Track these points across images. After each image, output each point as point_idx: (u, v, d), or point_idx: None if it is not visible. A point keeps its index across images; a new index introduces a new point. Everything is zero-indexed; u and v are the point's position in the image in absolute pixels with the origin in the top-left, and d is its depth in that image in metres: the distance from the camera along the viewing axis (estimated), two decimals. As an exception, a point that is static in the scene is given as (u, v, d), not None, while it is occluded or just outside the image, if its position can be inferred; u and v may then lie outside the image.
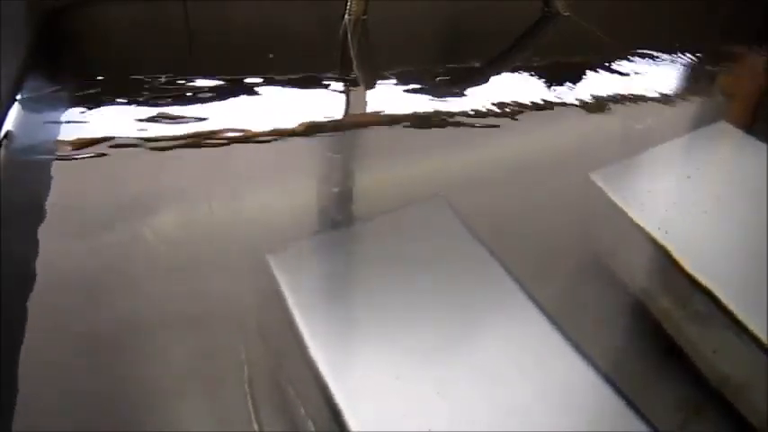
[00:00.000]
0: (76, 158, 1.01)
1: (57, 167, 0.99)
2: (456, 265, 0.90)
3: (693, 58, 1.44)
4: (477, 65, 1.37)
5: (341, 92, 1.23)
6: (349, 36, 1.32)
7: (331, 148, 1.13)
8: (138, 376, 0.77)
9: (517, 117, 1.23)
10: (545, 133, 1.22)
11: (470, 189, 1.05)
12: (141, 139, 1.05)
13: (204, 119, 1.11)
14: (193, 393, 0.76)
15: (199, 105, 1.14)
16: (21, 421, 0.69)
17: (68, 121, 1.08)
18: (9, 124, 1.01)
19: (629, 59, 1.41)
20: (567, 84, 1.32)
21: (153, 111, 1.12)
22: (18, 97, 1.06)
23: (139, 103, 1.13)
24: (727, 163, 1.15)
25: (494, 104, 1.23)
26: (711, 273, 0.92)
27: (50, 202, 0.94)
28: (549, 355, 0.80)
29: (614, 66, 1.40)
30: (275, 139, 1.10)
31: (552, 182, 1.09)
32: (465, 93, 1.27)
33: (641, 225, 0.99)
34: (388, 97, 1.23)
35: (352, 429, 0.70)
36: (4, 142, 0.98)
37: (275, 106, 1.17)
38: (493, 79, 1.32)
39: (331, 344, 0.78)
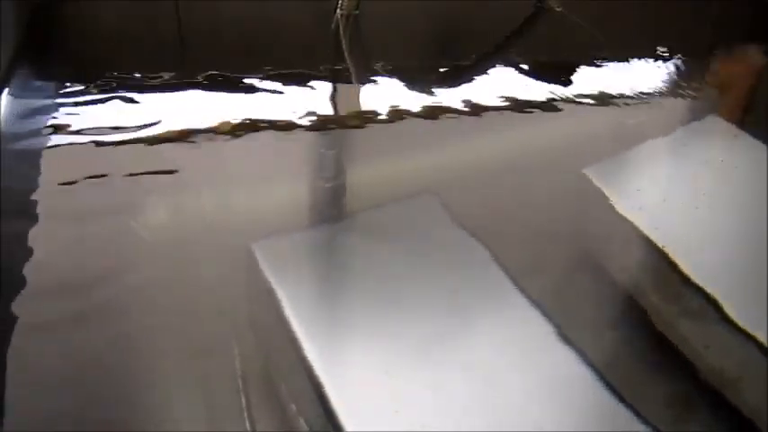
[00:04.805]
0: (65, 151, 1.01)
1: (45, 160, 0.99)
2: (448, 261, 0.90)
3: (685, 53, 1.45)
4: (469, 61, 1.37)
5: (333, 88, 1.23)
6: (341, 32, 1.32)
7: (323, 143, 1.13)
8: (129, 371, 0.77)
9: (509, 113, 1.23)
10: (537, 129, 1.23)
11: (463, 185, 1.05)
12: (130, 133, 1.05)
13: (194, 114, 1.10)
14: (185, 387, 0.76)
15: (189, 101, 1.14)
16: (7, 416, 0.69)
17: (57, 114, 1.07)
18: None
19: (621, 55, 1.41)
20: (560, 79, 1.32)
21: (142, 106, 1.11)
22: (6, 90, 1.06)
23: (128, 98, 1.12)
24: (719, 157, 1.16)
25: (486, 100, 1.23)
26: (703, 268, 0.92)
27: (39, 195, 0.93)
28: (541, 350, 0.80)
29: (606, 61, 1.40)
30: (266, 135, 1.09)
31: (544, 177, 1.09)
32: (457, 88, 1.27)
33: (633, 220, 0.99)
34: (380, 93, 1.23)
35: (345, 426, 0.70)
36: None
37: (267, 102, 1.17)
38: (485, 75, 1.32)
39: (323, 340, 0.78)
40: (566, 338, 0.80)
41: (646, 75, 1.38)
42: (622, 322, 0.92)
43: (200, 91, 1.16)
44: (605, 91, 1.31)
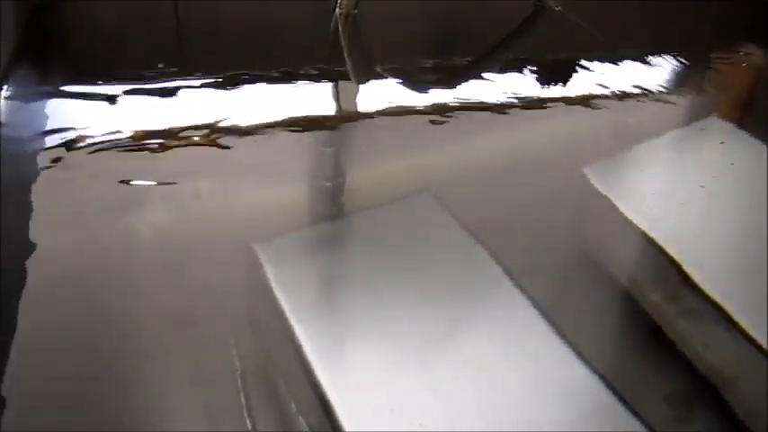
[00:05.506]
0: (64, 151, 1.00)
1: (44, 160, 0.99)
2: (447, 260, 0.90)
3: (685, 53, 1.45)
4: (468, 60, 1.37)
5: (332, 87, 1.23)
6: (340, 31, 1.32)
7: (322, 142, 1.13)
8: (128, 370, 0.77)
9: (508, 112, 1.23)
10: (537, 128, 1.23)
11: (462, 184, 1.05)
12: (129, 132, 1.05)
13: (194, 113, 1.10)
14: (185, 387, 0.76)
15: (188, 100, 1.14)
16: (7, 416, 0.69)
17: (56, 114, 1.07)
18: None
19: (620, 55, 1.41)
20: (559, 79, 1.32)
21: (142, 106, 1.11)
22: (5, 89, 1.06)
23: (128, 98, 1.12)
24: (719, 158, 1.16)
25: (485, 99, 1.23)
26: (703, 268, 0.92)
27: (38, 194, 0.93)
28: (540, 349, 0.80)
29: (606, 61, 1.40)
30: (266, 134, 1.09)
31: (544, 177, 1.10)
32: (456, 88, 1.27)
33: (633, 220, 0.99)
34: (380, 92, 1.23)
35: (344, 426, 0.70)
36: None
37: (267, 101, 1.17)
38: (484, 74, 1.32)
39: (322, 340, 0.78)
40: (565, 338, 0.80)
41: (645, 74, 1.38)
42: (622, 322, 0.92)
43: (197, 90, 1.16)
44: (605, 90, 1.31)
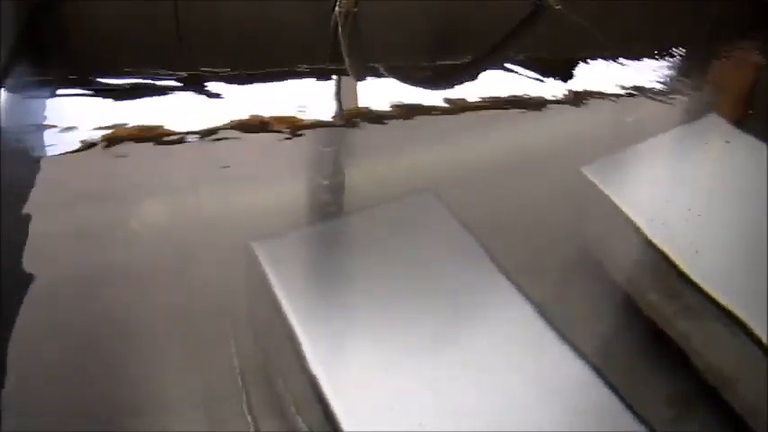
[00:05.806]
0: (63, 150, 1.01)
1: (44, 159, 0.99)
2: (446, 259, 0.90)
3: (684, 51, 1.45)
4: (468, 59, 1.37)
5: (331, 86, 1.23)
6: (339, 29, 1.32)
7: (322, 142, 1.13)
8: (129, 369, 0.77)
9: (508, 112, 1.23)
10: (536, 127, 1.23)
11: (462, 183, 1.05)
12: (128, 131, 1.05)
13: (193, 113, 1.10)
14: (185, 386, 0.76)
15: (188, 100, 1.14)
16: (6, 415, 0.69)
17: (55, 113, 1.07)
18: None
19: (620, 54, 1.41)
20: (559, 78, 1.32)
21: (142, 106, 1.11)
22: (5, 89, 1.06)
23: (128, 99, 1.12)
24: (718, 156, 1.15)
25: (485, 98, 1.23)
26: (702, 267, 0.92)
27: (38, 194, 0.93)
28: (540, 349, 0.80)
29: (605, 60, 1.40)
30: (265, 134, 1.09)
31: (543, 176, 1.10)
32: (456, 87, 1.27)
33: (632, 219, 0.99)
34: (379, 91, 1.23)
35: (343, 425, 0.69)
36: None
37: (266, 100, 1.17)
38: (483, 73, 1.32)
39: (321, 339, 0.78)
40: (564, 337, 0.80)
41: (645, 74, 1.38)
42: (621, 320, 0.92)
43: (197, 89, 1.16)
44: (604, 90, 1.31)
